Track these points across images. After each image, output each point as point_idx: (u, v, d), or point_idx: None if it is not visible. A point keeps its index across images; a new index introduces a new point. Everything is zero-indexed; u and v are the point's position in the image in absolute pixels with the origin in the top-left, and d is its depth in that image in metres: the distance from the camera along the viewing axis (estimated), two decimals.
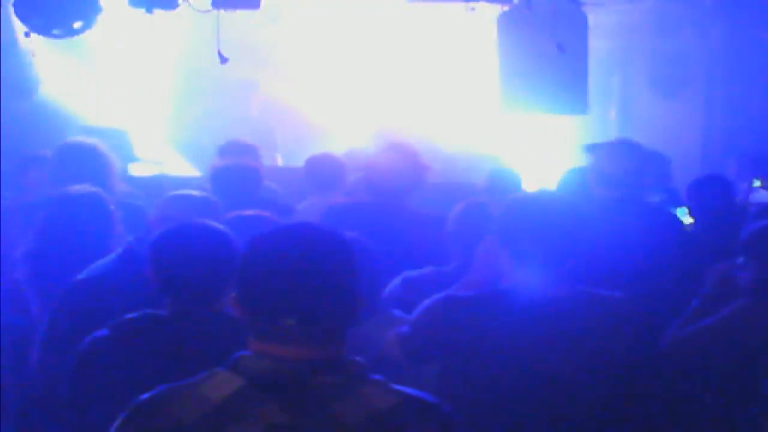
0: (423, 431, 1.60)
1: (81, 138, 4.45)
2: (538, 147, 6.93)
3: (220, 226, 2.47)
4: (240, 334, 1.75)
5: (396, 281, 3.27)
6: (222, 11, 5.48)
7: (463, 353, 2.38)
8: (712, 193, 4.35)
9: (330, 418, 1.57)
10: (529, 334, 2.35)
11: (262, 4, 5.59)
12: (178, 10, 5.35)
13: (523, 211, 2.45)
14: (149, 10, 5.24)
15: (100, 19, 5.17)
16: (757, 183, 4.90)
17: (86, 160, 4.05)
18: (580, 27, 5.45)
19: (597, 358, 2.38)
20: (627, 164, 3.67)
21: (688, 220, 4.44)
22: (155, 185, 5.05)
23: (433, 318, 2.45)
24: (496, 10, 5.69)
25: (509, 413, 2.35)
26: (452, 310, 2.42)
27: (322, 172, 4.81)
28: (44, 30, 5.06)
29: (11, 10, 5.10)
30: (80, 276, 2.98)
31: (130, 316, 2.35)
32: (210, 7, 5.47)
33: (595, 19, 5.76)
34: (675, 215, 4.09)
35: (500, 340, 2.34)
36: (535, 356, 2.34)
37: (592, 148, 3.89)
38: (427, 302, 2.50)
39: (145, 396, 1.64)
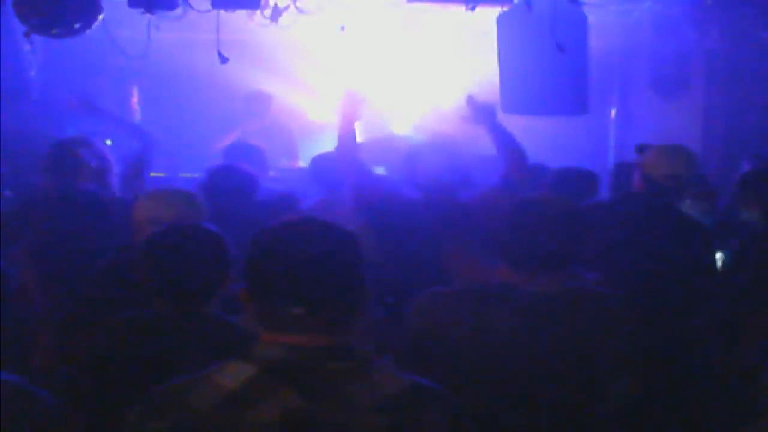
0: (433, 415, 1.64)
1: (76, 136, 4.45)
2: (538, 147, 6.93)
3: (213, 228, 2.47)
4: (228, 335, 1.76)
5: None
6: (222, 11, 5.50)
7: (452, 349, 2.37)
8: None
9: (345, 401, 1.60)
10: (521, 332, 2.35)
11: (262, 3, 5.60)
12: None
13: (519, 214, 2.44)
14: (149, 10, 5.24)
15: (101, 18, 5.18)
16: None
17: (82, 158, 4.05)
18: (580, 27, 5.44)
19: (587, 356, 2.38)
20: (674, 170, 3.64)
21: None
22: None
23: (422, 316, 2.45)
24: (496, 10, 5.69)
25: (501, 412, 2.35)
26: (441, 306, 2.42)
27: (328, 171, 4.81)
28: (44, 30, 5.06)
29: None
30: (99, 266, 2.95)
31: (121, 316, 2.35)
32: (210, 7, 5.48)
33: (595, 19, 5.75)
34: (707, 230, 3.86)
35: (493, 336, 2.34)
36: (525, 353, 2.34)
37: (642, 149, 3.83)
38: (414, 302, 2.49)
39: (159, 387, 1.67)
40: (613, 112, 8.17)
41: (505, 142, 3.94)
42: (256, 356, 1.65)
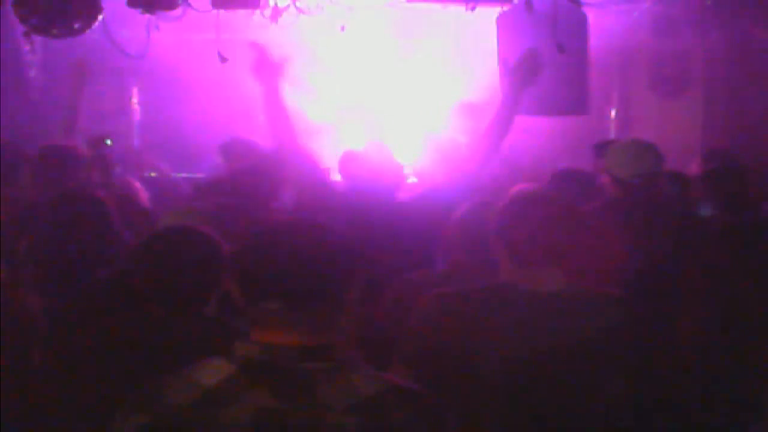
0: (406, 418, 1.63)
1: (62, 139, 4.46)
2: (538, 147, 6.93)
3: (207, 230, 2.46)
4: (224, 337, 1.77)
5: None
6: (222, 11, 5.50)
7: (455, 350, 2.37)
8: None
9: (317, 402, 1.61)
10: (524, 331, 2.35)
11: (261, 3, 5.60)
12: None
13: (521, 210, 2.46)
14: (149, 10, 5.24)
15: (101, 18, 5.17)
16: None
17: (68, 162, 4.05)
18: (580, 27, 5.43)
19: (588, 356, 2.38)
20: (641, 165, 3.62)
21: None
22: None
23: (426, 319, 2.45)
24: (496, 10, 5.68)
25: (504, 412, 2.35)
26: (444, 307, 2.42)
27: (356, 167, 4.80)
28: (44, 30, 5.06)
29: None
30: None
31: (117, 316, 2.35)
32: (210, 7, 5.48)
33: (595, 19, 5.75)
34: (694, 216, 3.93)
35: (496, 336, 2.34)
36: (526, 353, 2.34)
37: (604, 148, 3.82)
38: (418, 303, 2.50)
39: (144, 385, 1.69)
40: (613, 112, 8.17)
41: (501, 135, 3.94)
42: (236, 355, 1.68)
